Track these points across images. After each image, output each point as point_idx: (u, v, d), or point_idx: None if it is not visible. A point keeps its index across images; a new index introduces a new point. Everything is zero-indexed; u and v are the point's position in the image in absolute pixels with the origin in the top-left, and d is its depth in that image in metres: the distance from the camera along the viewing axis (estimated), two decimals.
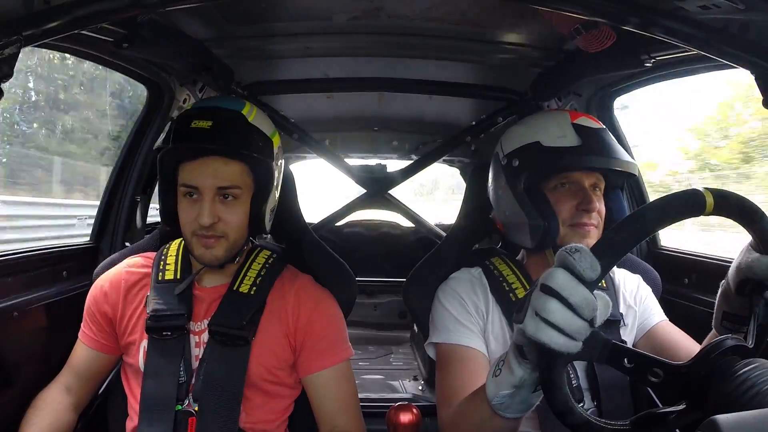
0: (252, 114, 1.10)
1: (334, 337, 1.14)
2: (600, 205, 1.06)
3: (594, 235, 1.04)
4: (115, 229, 1.60)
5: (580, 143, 1.03)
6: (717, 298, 0.84)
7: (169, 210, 1.10)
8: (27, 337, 1.23)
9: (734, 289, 0.78)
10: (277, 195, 1.17)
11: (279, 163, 1.15)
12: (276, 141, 1.13)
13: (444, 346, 1.07)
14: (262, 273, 1.15)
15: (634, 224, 0.63)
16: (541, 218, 1.03)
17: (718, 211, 0.65)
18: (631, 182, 1.62)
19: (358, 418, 1.13)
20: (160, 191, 1.12)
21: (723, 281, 0.82)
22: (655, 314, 1.15)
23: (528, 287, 1.10)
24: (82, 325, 1.18)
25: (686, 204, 0.64)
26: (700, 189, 0.64)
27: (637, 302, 1.15)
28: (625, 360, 0.64)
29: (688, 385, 0.64)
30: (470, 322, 1.07)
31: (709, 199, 0.64)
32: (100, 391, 1.26)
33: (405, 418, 1.37)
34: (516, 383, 0.68)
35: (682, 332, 1.11)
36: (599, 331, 0.63)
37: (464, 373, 1.01)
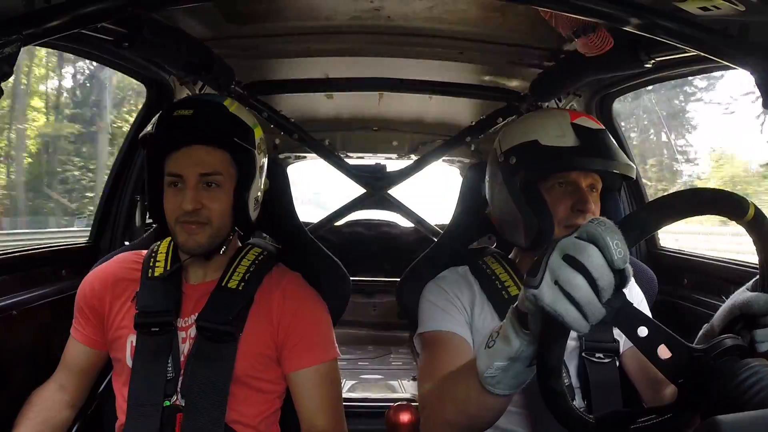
0: (233, 105, 1.13)
1: (317, 337, 1.14)
2: (596, 207, 1.06)
3: None
4: (114, 228, 1.60)
5: (578, 144, 1.02)
6: (695, 342, 0.81)
7: (155, 202, 1.11)
8: (26, 336, 1.23)
9: (719, 332, 0.76)
10: (261, 185, 1.17)
11: (261, 153, 1.16)
12: (258, 132, 1.15)
13: (429, 333, 1.07)
14: (251, 269, 1.15)
15: (665, 206, 0.62)
16: (536, 217, 1.02)
17: (749, 226, 0.65)
18: (631, 184, 1.62)
19: (337, 420, 1.12)
20: (147, 183, 1.13)
21: (706, 325, 0.79)
22: None
23: (521, 286, 1.09)
24: (73, 321, 1.18)
25: (730, 203, 0.64)
26: (749, 199, 0.64)
27: None
28: (639, 329, 0.62)
29: (689, 374, 0.63)
30: (455, 312, 1.07)
31: (751, 212, 0.63)
32: (98, 392, 1.26)
33: (404, 417, 1.38)
34: (512, 355, 0.66)
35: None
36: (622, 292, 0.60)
37: (448, 354, 0.99)
